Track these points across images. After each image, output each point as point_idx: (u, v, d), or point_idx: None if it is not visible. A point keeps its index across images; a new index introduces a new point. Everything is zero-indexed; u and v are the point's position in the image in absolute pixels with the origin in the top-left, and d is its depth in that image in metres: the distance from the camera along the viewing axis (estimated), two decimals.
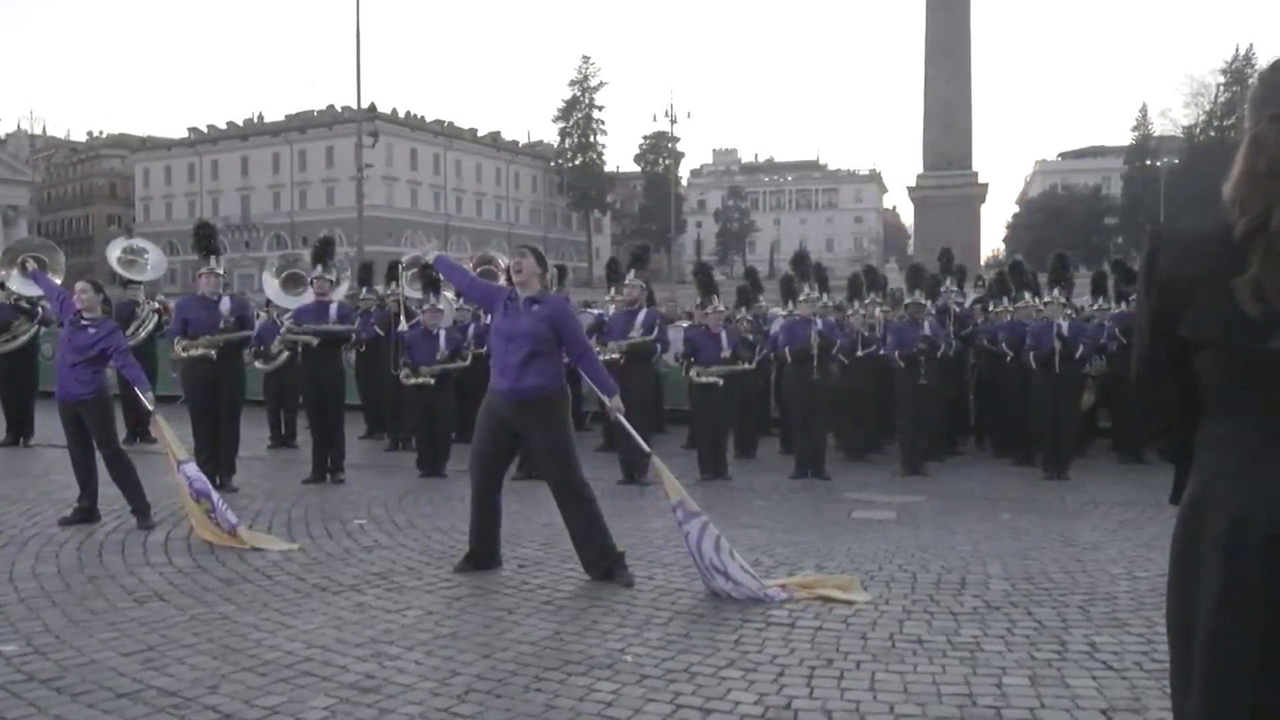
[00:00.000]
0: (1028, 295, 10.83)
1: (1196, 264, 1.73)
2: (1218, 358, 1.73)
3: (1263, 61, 56.44)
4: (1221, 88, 65.44)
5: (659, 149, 76.34)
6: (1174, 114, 75.18)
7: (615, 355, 9.28)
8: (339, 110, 73.15)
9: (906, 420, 9.98)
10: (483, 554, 5.54)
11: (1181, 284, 1.75)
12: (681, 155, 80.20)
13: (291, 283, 10.22)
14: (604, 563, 5.34)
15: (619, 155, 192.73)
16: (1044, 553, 6.18)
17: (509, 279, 5.70)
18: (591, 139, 78.01)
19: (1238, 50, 66.95)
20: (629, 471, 8.85)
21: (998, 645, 4.31)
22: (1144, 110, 72.93)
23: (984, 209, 27.75)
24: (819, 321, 9.63)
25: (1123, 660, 4.08)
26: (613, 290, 12.09)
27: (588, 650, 4.18)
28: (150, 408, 6.62)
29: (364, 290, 12.50)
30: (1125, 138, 73.23)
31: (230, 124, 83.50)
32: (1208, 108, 66.83)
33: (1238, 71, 64.08)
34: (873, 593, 5.14)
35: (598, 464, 9.98)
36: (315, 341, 8.72)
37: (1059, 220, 70.29)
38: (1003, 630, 4.53)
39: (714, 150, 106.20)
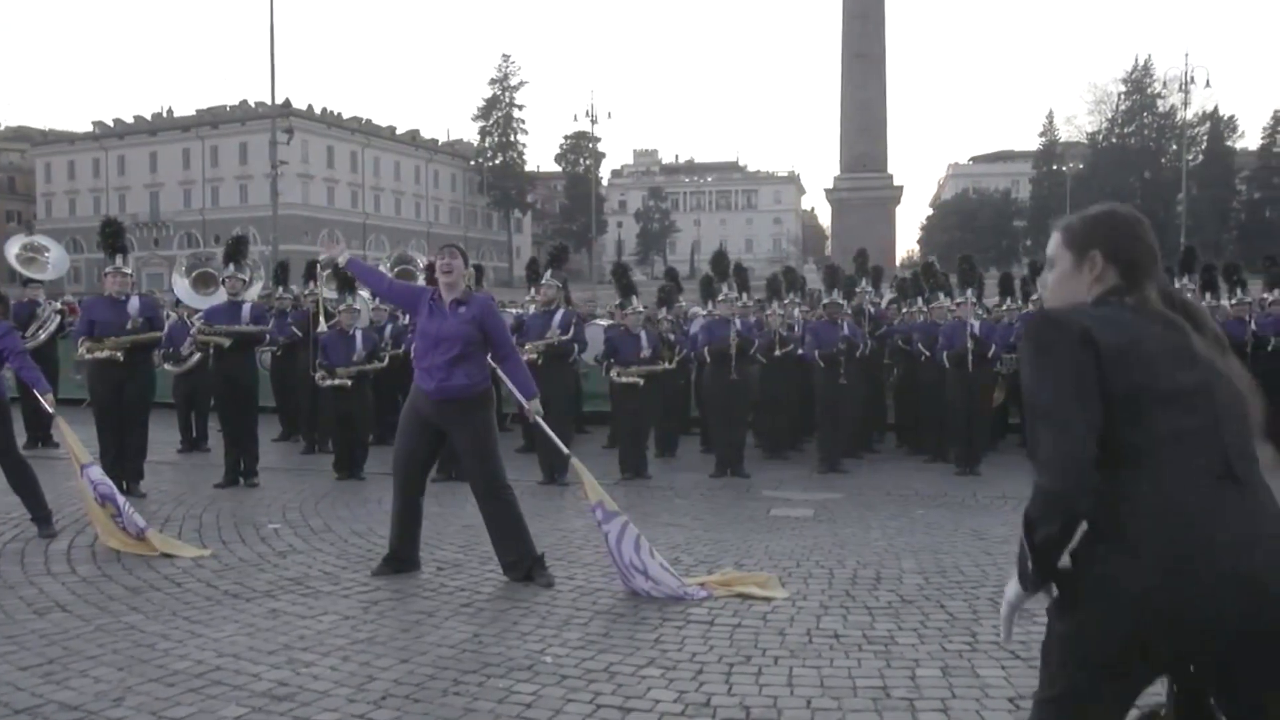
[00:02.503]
0: (940, 296, 11.09)
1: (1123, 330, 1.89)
2: (1151, 410, 1.83)
3: (1160, 71, 58.49)
4: (1122, 96, 67.88)
5: (580, 149, 76.28)
6: (1079, 121, 77.67)
7: (533, 356, 9.24)
8: (252, 106, 71.51)
9: (824, 419, 10.14)
10: (402, 556, 5.48)
11: (1119, 345, 1.86)
12: (602, 155, 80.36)
13: (202, 282, 9.97)
14: (524, 564, 5.33)
15: (540, 155, 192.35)
16: (956, 547, 6.33)
17: (430, 278, 5.64)
18: (512, 138, 77.59)
19: (1137, 61, 69.86)
20: (549, 472, 8.83)
21: (911, 638, 4.41)
22: (1050, 117, 74.83)
23: (899, 211, 28.36)
24: (738, 321, 9.72)
25: (1030, 650, 4.19)
26: (532, 290, 12.05)
27: (507, 652, 4.16)
28: (51, 410, 6.39)
29: (279, 290, 12.24)
30: (1033, 143, 75.46)
31: (138, 118, 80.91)
32: (1110, 115, 69.27)
33: (1137, 81, 66.56)
34: (790, 589, 5.21)
35: (518, 465, 9.93)
36: (228, 343, 8.50)
37: (971, 222, 72.20)
38: (916, 624, 4.63)
39: (635, 151, 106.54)
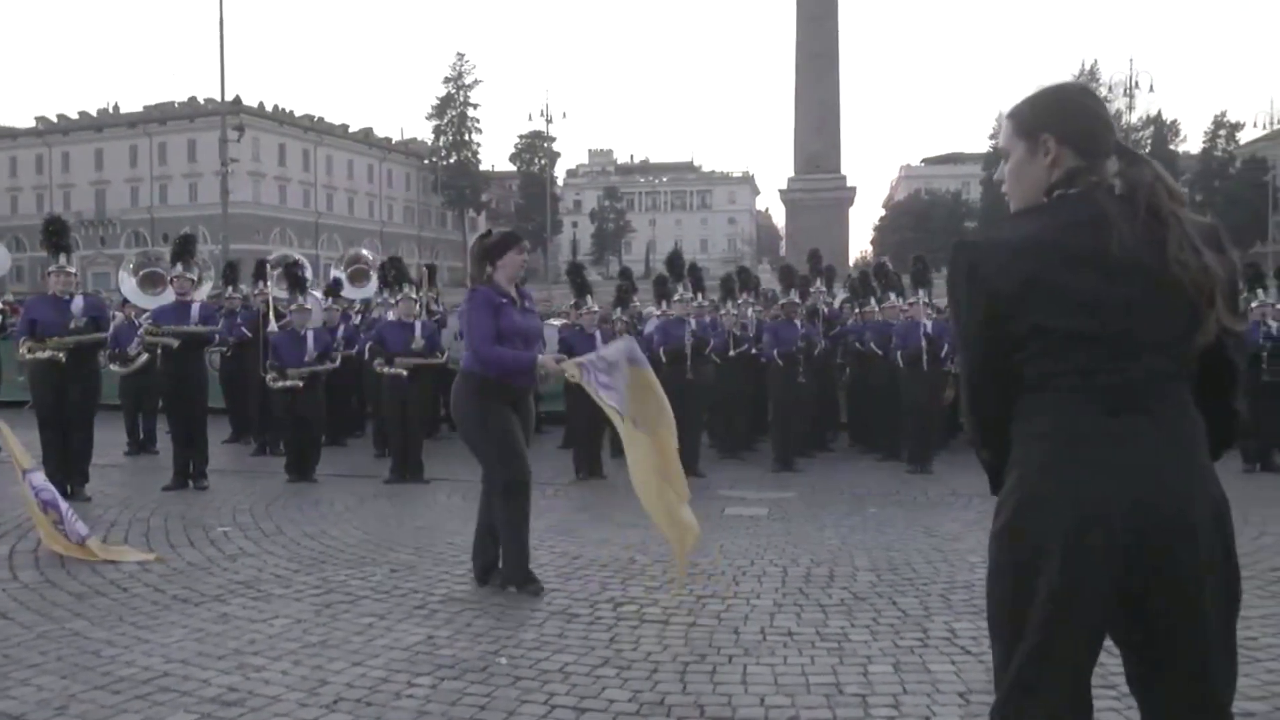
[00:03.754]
0: (893, 296, 11.20)
1: (1025, 266, 1.85)
2: (1053, 344, 1.83)
3: (1106, 75, 59.51)
4: None
5: (535, 148, 76.07)
6: None
7: None
8: (202, 102, 70.40)
9: (777, 418, 10.19)
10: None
11: (1011, 286, 1.85)
12: (557, 155, 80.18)
13: (150, 282, 9.80)
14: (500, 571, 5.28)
15: (494, 154, 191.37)
16: (908, 544, 6.40)
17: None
18: (466, 137, 77.15)
19: (1084, 65, 70.56)
20: None
21: (864, 635, 4.45)
22: (1000, 119, 75.95)
23: (853, 212, 28.61)
24: (692, 321, 9.74)
25: (980, 645, 4.25)
26: None
27: (461, 654, 4.14)
28: None
29: (229, 290, 12.08)
30: (984, 145, 76.47)
31: (83, 114, 79.28)
32: None
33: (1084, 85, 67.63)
34: (745, 587, 5.24)
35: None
36: (176, 343, 8.35)
37: (923, 223, 73.02)
38: (869, 620, 4.67)
39: (590, 151, 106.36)
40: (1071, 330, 1.81)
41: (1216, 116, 70.83)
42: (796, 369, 9.90)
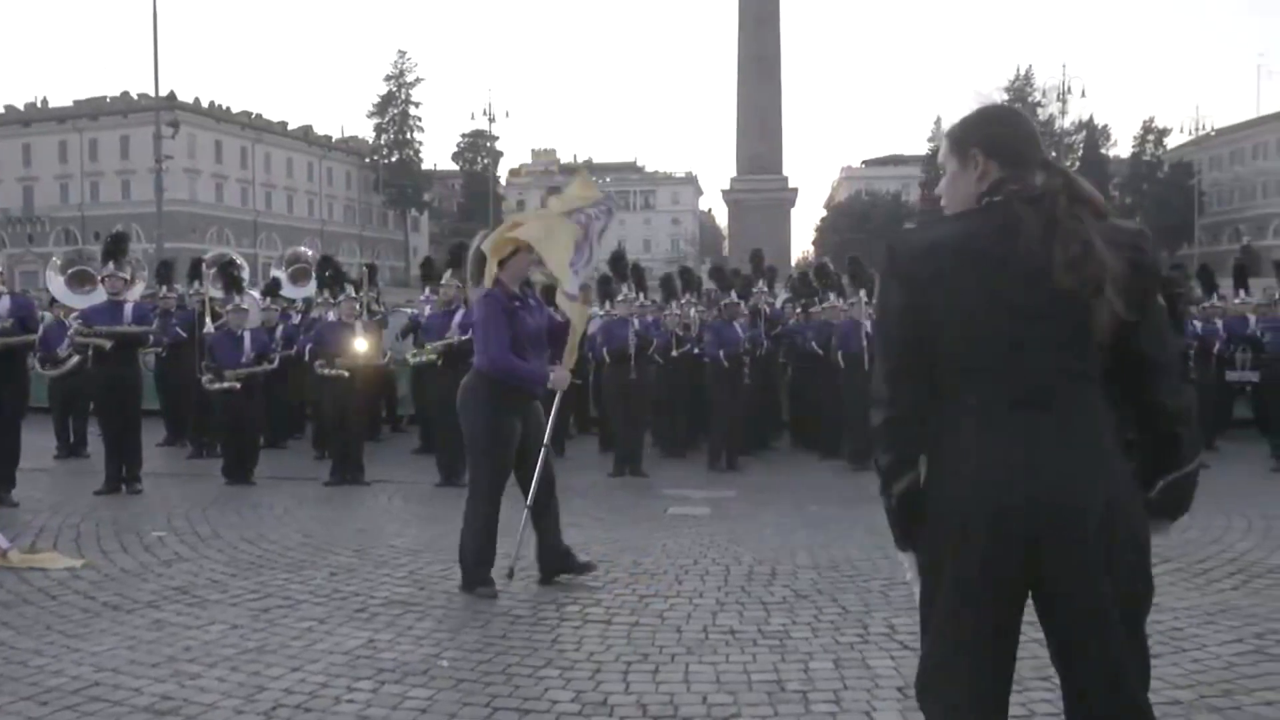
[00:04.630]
0: (833, 296, 11.32)
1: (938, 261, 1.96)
2: (960, 341, 1.92)
3: (1040, 81, 60.73)
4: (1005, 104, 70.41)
5: (477, 147, 75.53)
6: None
7: (432, 356, 9.13)
8: (135, 97, 68.73)
9: (717, 418, 10.23)
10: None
11: (924, 278, 1.95)
12: (500, 154, 79.69)
13: (79, 280, 9.57)
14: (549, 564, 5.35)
15: (437, 153, 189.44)
16: (849, 541, 6.48)
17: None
18: (408, 135, 76.31)
19: (1018, 71, 72.08)
20: (447, 474, 8.73)
21: (805, 632, 4.50)
22: (938, 122, 76.96)
23: (795, 213, 28.88)
24: (635, 321, 9.75)
25: (919, 640, 4.32)
26: (428, 290, 11.91)
27: (402, 657, 4.10)
28: None
29: (164, 290, 11.83)
30: (923, 147, 77.61)
31: (9, 108, 76.85)
32: None
33: (1018, 90, 69.01)
34: (687, 586, 5.26)
35: (417, 466, 9.81)
36: (109, 344, 8.15)
37: (864, 224, 73.79)
38: (810, 617, 4.72)
39: (533, 150, 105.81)
40: (977, 328, 1.91)
41: (1145, 122, 73.02)
42: (741, 370, 9.97)
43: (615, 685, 3.81)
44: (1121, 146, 71.74)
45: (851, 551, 6.14)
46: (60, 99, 77.99)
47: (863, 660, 4.10)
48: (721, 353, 9.97)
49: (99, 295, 8.78)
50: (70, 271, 9.71)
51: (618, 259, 11.15)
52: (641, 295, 10.72)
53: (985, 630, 1.96)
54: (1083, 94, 49.46)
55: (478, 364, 5.24)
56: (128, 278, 8.83)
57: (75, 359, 9.72)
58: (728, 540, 6.52)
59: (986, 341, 1.91)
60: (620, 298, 10.22)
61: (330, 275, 10.85)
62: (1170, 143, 70.20)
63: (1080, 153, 67.74)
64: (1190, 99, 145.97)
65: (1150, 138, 69.75)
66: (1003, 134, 2.07)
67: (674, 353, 10.46)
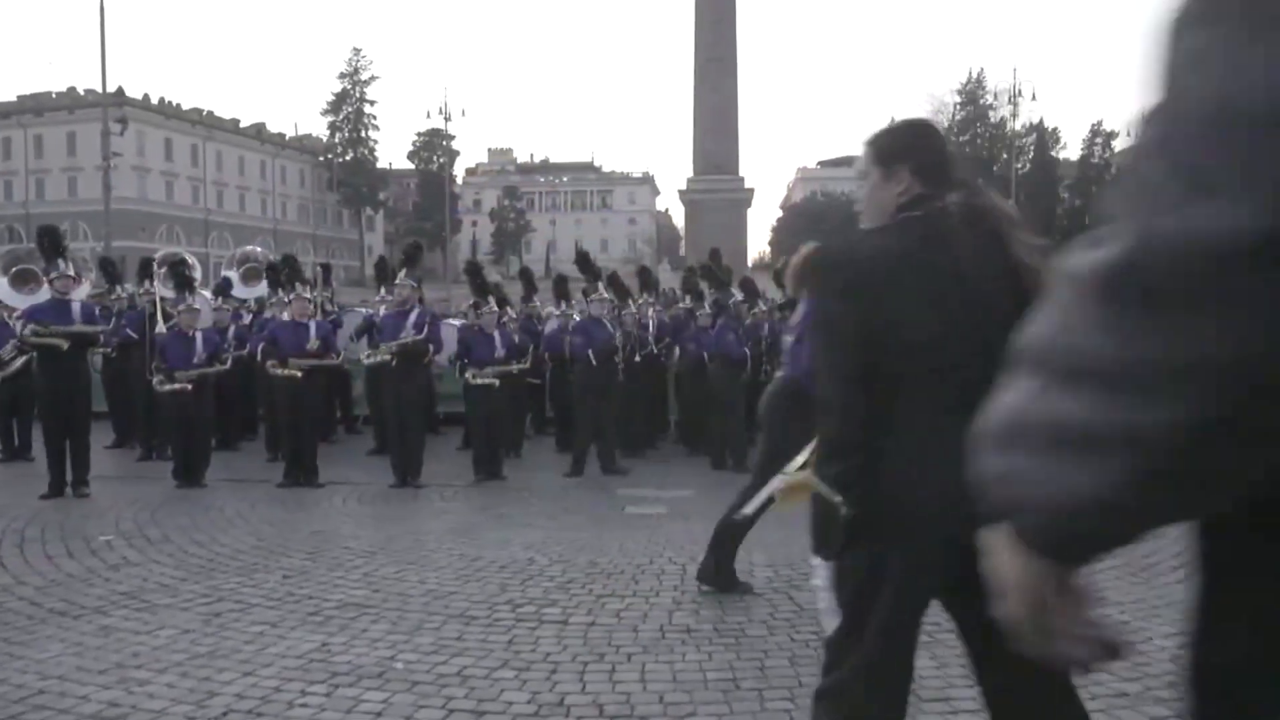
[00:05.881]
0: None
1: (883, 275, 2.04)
2: (900, 347, 1.99)
3: (992, 83, 61.43)
4: (958, 106, 71.28)
5: (433, 146, 74.90)
6: None
7: (387, 357, 9.06)
8: (82, 93, 67.41)
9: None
10: None
11: (871, 287, 2.02)
12: (456, 153, 79.14)
13: (22, 279, 9.37)
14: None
15: (392, 151, 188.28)
16: (804, 539, 6.48)
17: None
18: (363, 134, 75.52)
19: (970, 73, 73.09)
20: (402, 475, 8.67)
21: (760, 630, 4.52)
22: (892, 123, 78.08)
23: (751, 213, 28.98)
24: (607, 323, 9.80)
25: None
26: (383, 290, 11.82)
27: (356, 660, 4.07)
28: None
29: (116, 289, 11.62)
30: None
31: None
32: (946, 124, 72.62)
33: (970, 92, 69.98)
34: (644, 585, 5.27)
35: (371, 468, 9.73)
36: (65, 345, 7.98)
37: (818, 224, 74.36)
38: (765, 615, 4.75)
39: (489, 149, 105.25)
40: (916, 336, 1.99)
41: (1094, 125, 74.03)
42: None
43: (571, 685, 3.81)
44: (1071, 149, 72.99)
45: (807, 550, 6.16)
46: (3, 94, 76.30)
47: (818, 657, 4.12)
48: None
49: (43, 294, 8.60)
50: (13, 271, 9.50)
51: (584, 259, 11.08)
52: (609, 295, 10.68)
53: (916, 631, 2.09)
54: (1033, 97, 50.55)
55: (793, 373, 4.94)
56: (75, 276, 8.67)
57: (21, 360, 9.53)
58: (685, 539, 6.53)
59: (925, 350, 1.99)
60: (594, 297, 10.22)
61: (287, 274, 10.72)
62: (1119, 145, 71.43)
63: (1031, 155, 68.80)
64: (1137, 103, 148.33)
65: (1099, 140, 70.97)
66: (929, 153, 2.18)
67: (637, 358, 10.41)
